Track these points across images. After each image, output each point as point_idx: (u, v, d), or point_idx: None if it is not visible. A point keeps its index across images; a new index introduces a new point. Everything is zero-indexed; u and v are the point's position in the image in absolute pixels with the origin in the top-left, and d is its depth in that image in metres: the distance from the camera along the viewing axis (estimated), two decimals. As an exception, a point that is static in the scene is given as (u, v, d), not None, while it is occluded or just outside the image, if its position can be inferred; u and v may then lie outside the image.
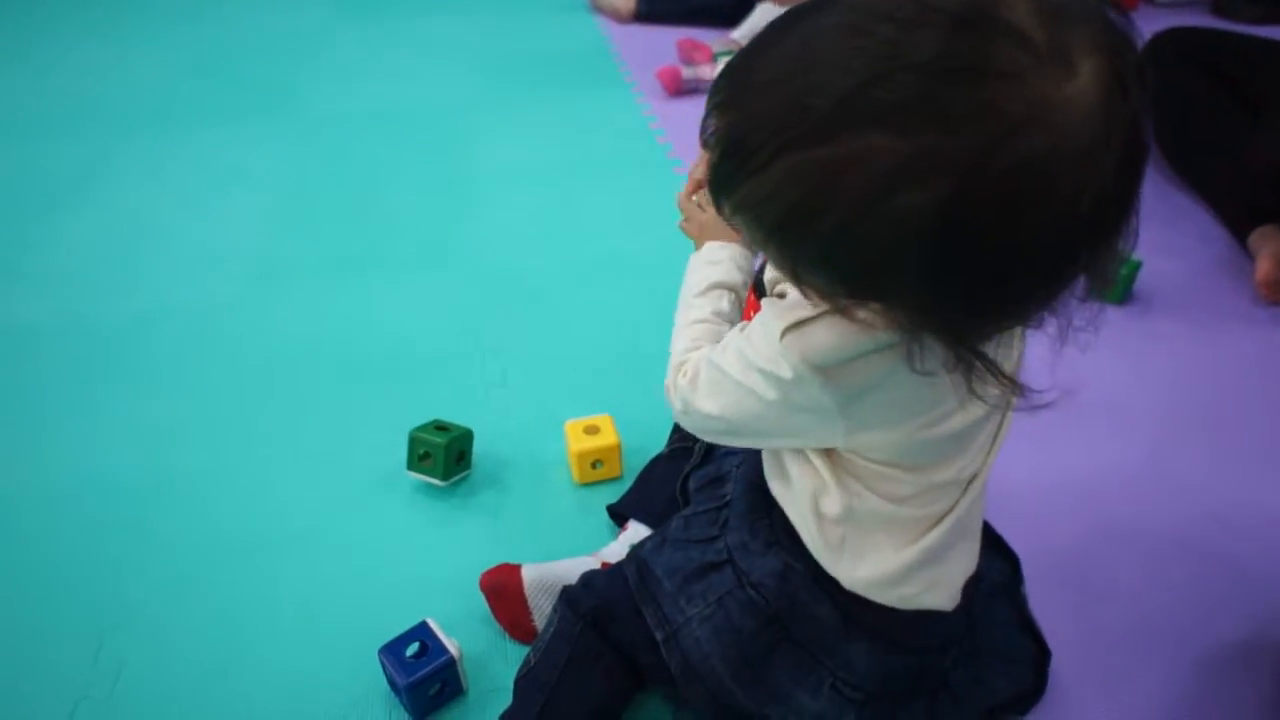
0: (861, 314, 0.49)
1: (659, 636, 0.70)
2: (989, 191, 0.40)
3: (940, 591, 0.66)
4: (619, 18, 2.46)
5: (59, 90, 2.09)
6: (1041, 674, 0.79)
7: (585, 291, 1.36)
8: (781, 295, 0.59)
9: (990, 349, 0.52)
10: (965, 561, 0.68)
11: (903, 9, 0.40)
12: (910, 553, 0.63)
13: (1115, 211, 0.43)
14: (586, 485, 1.02)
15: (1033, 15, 0.40)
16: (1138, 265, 1.29)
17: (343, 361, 1.23)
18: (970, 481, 0.65)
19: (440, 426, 1.00)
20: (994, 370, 0.49)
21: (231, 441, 1.10)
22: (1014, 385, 0.52)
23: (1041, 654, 0.81)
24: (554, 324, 1.29)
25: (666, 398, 0.68)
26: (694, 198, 0.84)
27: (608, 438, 1.00)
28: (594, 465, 1.01)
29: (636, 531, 0.90)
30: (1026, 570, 0.89)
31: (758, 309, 0.60)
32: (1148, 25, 1.60)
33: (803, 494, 0.65)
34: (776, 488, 0.68)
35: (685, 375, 0.65)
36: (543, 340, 1.25)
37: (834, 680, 0.66)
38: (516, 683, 0.75)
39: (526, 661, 0.76)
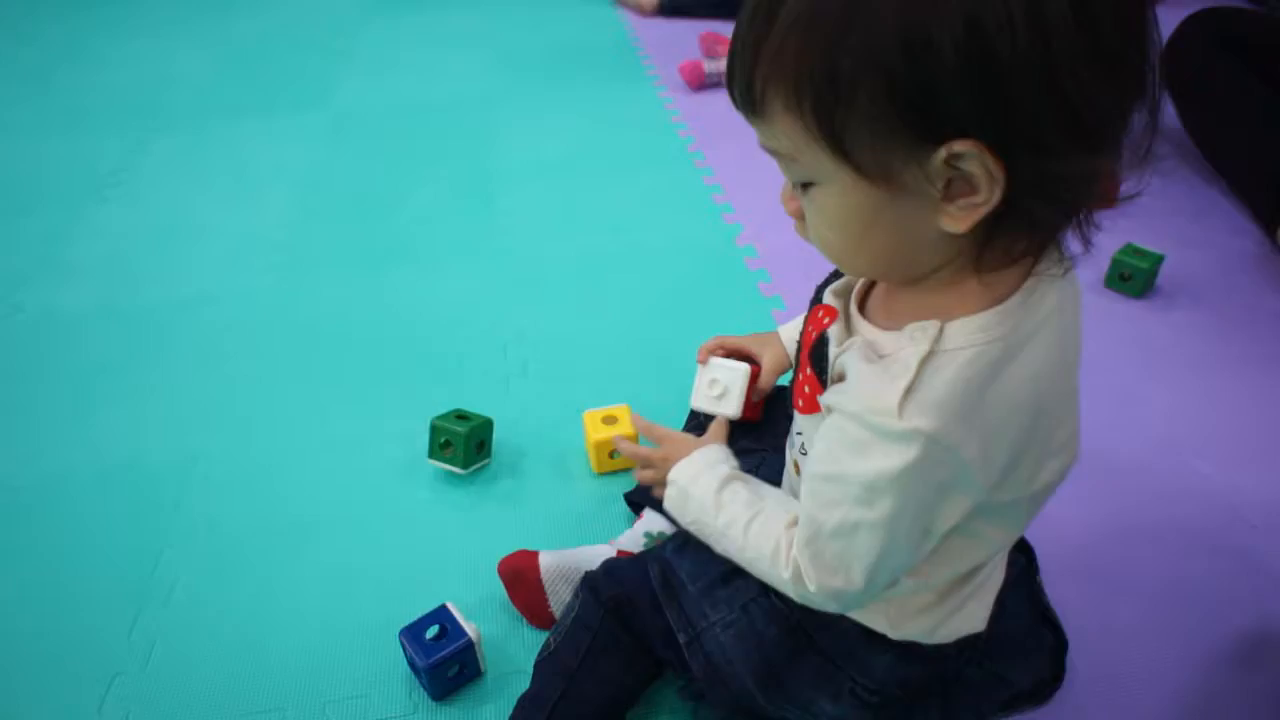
0: (954, 209, 0.43)
1: (682, 639, 0.70)
2: None
3: (975, 619, 0.65)
4: (642, 11, 2.46)
5: (102, 85, 2.14)
6: (1059, 663, 0.79)
7: (606, 283, 1.37)
8: (841, 377, 0.52)
9: None
10: (998, 581, 0.67)
11: None
12: (949, 604, 0.62)
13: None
14: (604, 474, 1.03)
15: None
16: (1160, 258, 1.28)
17: (368, 351, 1.26)
18: None
19: (461, 416, 1.02)
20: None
21: (261, 428, 1.13)
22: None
23: (1059, 643, 0.81)
24: (574, 315, 1.31)
25: (810, 600, 0.58)
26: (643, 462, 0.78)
27: (625, 428, 1.01)
28: (612, 455, 1.02)
29: (651, 520, 0.91)
30: (1040, 562, 0.89)
31: (815, 390, 0.55)
32: (1186, 6, 1.60)
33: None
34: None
35: (801, 578, 0.57)
36: (563, 331, 1.27)
37: (853, 685, 0.66)
38: (537, 665, 0.77)
39: (547, 645, 0.77)
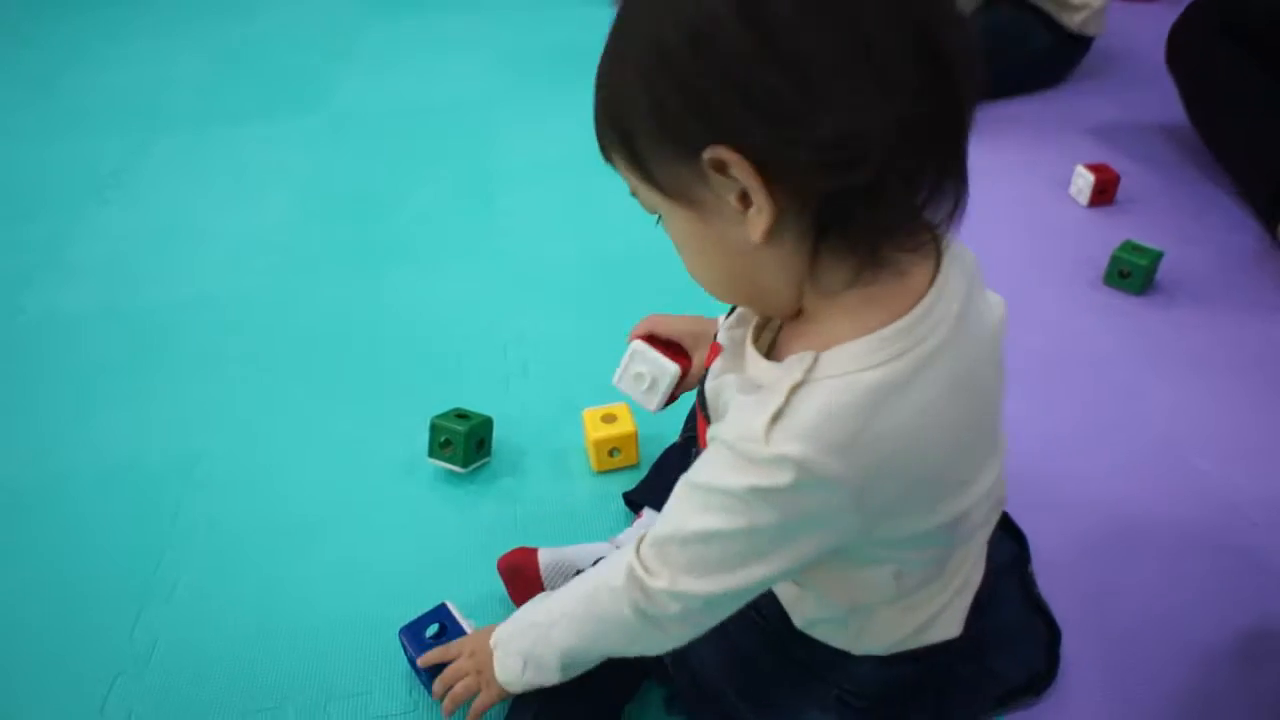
0: (756, 213, 0.44)
1: (666, 658, 0.69)
2: None
3: (948, 628, 0.64)
4: (643, 11, 2.46)
5: (103, 87, 2.14)
6: (1053, 654, 0.79)
7: (605, 283, 1.38)
8: (722, 411, 0.53)
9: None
10: (972, 588, 0.66)
11: None
12: (921, 616, 0.62)
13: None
14: (604, 473, 1.04)
15: None
16: (1160, 255, 1.28)
17: (369, 351, 1.26)
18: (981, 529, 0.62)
19: (461, 414, 1.02)
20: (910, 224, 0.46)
21: (262, 428, 1.14)
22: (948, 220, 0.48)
23: (1052, 634, 0.81)
24: (574, 315, 1.31)
25: (637, 634, 0.57)
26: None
27: (624, 426, 1.02)
28: (611, 453, 1.03)
29: (650, 519, 0.92)
30: (1036, 560, 0.89)
31: (703, 427, 0.56)
32: (1169, 20, 1.59)
33: (796, 611, 0.63)
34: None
35: (642, 577, 0.55)
36: (563, 331, 1.28)
37: (840, 692, 0.66)
38: None
39: None
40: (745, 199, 0.45)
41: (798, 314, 0.51)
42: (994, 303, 0.54)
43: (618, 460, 1.03)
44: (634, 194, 0.52)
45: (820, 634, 0.64)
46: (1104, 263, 1.31)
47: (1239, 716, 0.80)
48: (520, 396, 1.16)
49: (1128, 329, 1.24)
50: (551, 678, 0.66)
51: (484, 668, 0.70)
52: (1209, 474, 1.02)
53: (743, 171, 0.43)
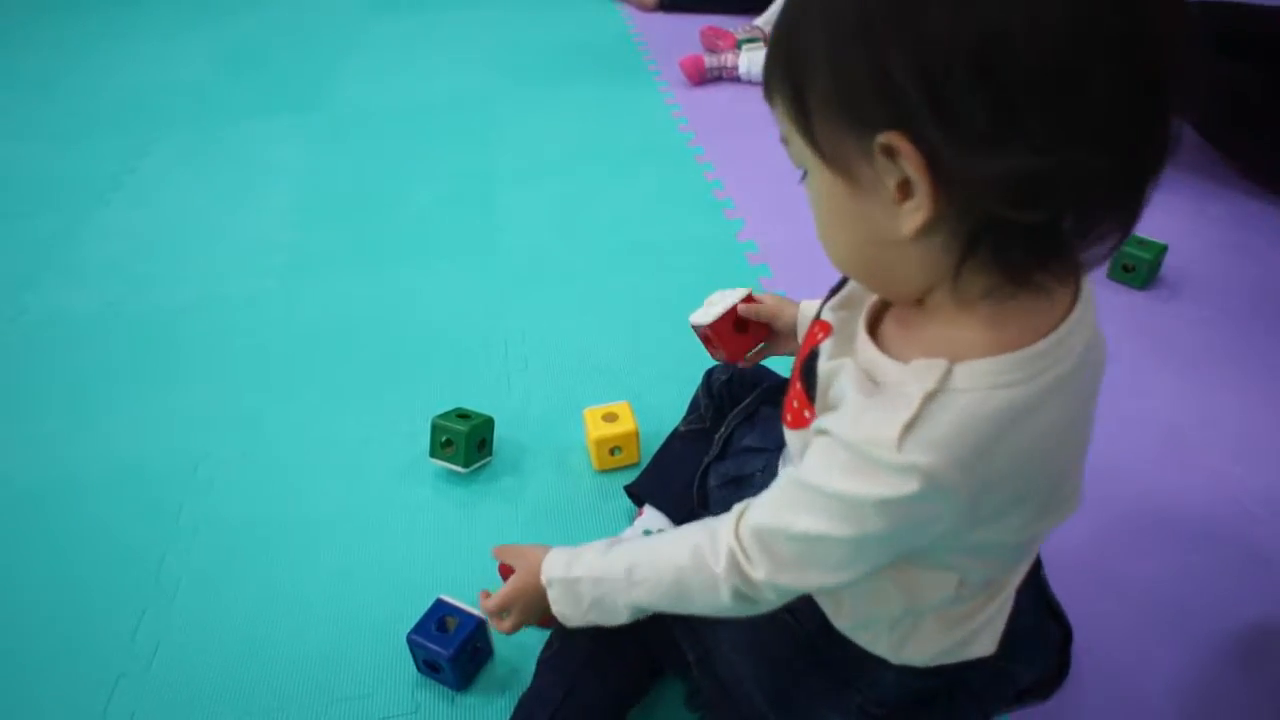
0: (914, 209, 0.42)
1: (691, 657, 0.69)
2: None
3: (985, 644, 0.63)
4: (643, 7, 2.46)
5: (106, 89, 2.15)
6: (1065, 655, 0.79)
7: (607, 280, 1.37)
8: (829, 394, 0.52)
9: None
10: (1010, 605, 0.65)
11: None
12: (965, 631, 0.61)
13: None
14: (605, 471, 1.03)
15: None
16: (1163, 249, 1.27)
17: (370, 351, 1.26)
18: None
19: (462, 414, 1.02)
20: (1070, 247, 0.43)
21: (264, 428, 1.14)
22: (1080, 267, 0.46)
23: (1064, 635, 0.80)
24: (576, 312, 1.31)
25: (732, 605, 0.56)
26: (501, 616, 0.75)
27: (625, 425, 1.01)
28: (612, 452, 1.02)
29: (651, 517, 0.91)
30: (1043, 556, 0.89)
31: (807, 410, 0.54)
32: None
33: (852, 602, 0.61)
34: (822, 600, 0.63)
35: (743, 565, 0.54)
36: (564, 328, 1.27)
37: (862, 700, 0.65)
38: (540, 663, 0.77)
39: (549, 644, 0.77)
40: (906, 188, 0.42)
41: (918, 303, 0.49)
42: (1101, 336, 0.52)
43: (619, 459, 1.03)
44: (784, 142, 0.48)
45: (864, 640, 0.62)
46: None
47: (1241, 712, 0.79)
48: (522, 394, 1.16)
49: (1131, 323, 1.23)
50: (617, 621, 0.66)
51: (525, 595, 0.70)
52: (1214, 469, 1.01)
53: (914, 165, 0.40)
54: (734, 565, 0.55)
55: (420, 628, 0.82)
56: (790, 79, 0.44)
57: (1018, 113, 0.38)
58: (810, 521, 0.50)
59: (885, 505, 0.46)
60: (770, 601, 0.55)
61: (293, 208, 1.63)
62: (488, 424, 1.03)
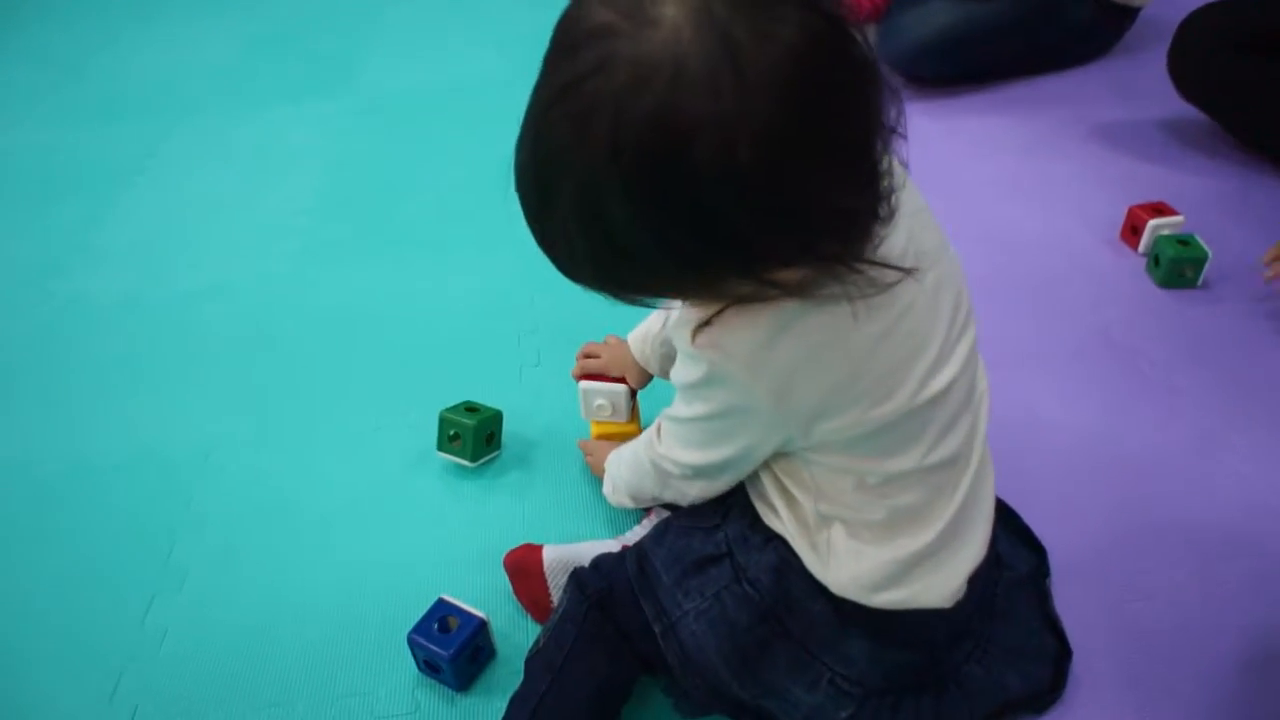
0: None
1: (656, 629, 0.70)
2: (645, 138, 0.44)
3: (936, 591, 0.65)
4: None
5: (133, 71, 2.16)
6: (1061, 673, 0.77)
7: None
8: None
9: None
10: (969, 555, 0.66)
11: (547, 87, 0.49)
12: (896, 553, 0.63)
13: (803, 132, 0.45)
14: (613, 468, 1.02)
15: (603, 7, 0.46)
16: (1207, 256, 1.21)
17: (383, 341, 1.25)
18: (960, 471, 0.64)
19: (470, 408, 1.02)
20: (855, 265, 0.52)
21: (274, 418, 1.14)
22: (901, 269, 0.54)
23: (1063, 652, 0.78)
24: (590, 305, 1.27)
25: (659, 483, 0.75)
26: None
27: (630, 425, 1.00)
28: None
29: (658, 518, 0.90)
30: (1060, 562, 0.87)
31: None
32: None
33: (778, 503, 0.66)
34: (755, 499, 0.69)
35: (654, 442, 0.73)
36: (578, 322, 1.25)
37: (832, 675, 0.66)
38: (526, 663, 0.77)
39: (536, 643, 0.77)
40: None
41: None
42: (937, 250, 0.61)
43: (628, 455, 1.02)
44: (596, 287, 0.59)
45: (796, 546, 0.67)
46: (1144, 256, 1.26)
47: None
48: (533, 387, 1.15)
49: (1170, 322, 1.18)
50: (626, 502, 0.85)
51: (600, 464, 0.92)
52: (1244, 472, 0.98)
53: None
54: (650, 441, 0.74)
55: (421, 627, 0.81)
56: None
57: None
58: (675, 408, 0.67)
59: (694, 389, 0.61)
60: (676, 475, 0.71)
61: (313, 193, 1.63)
62: (496, 418, 1.03)
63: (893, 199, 0.51)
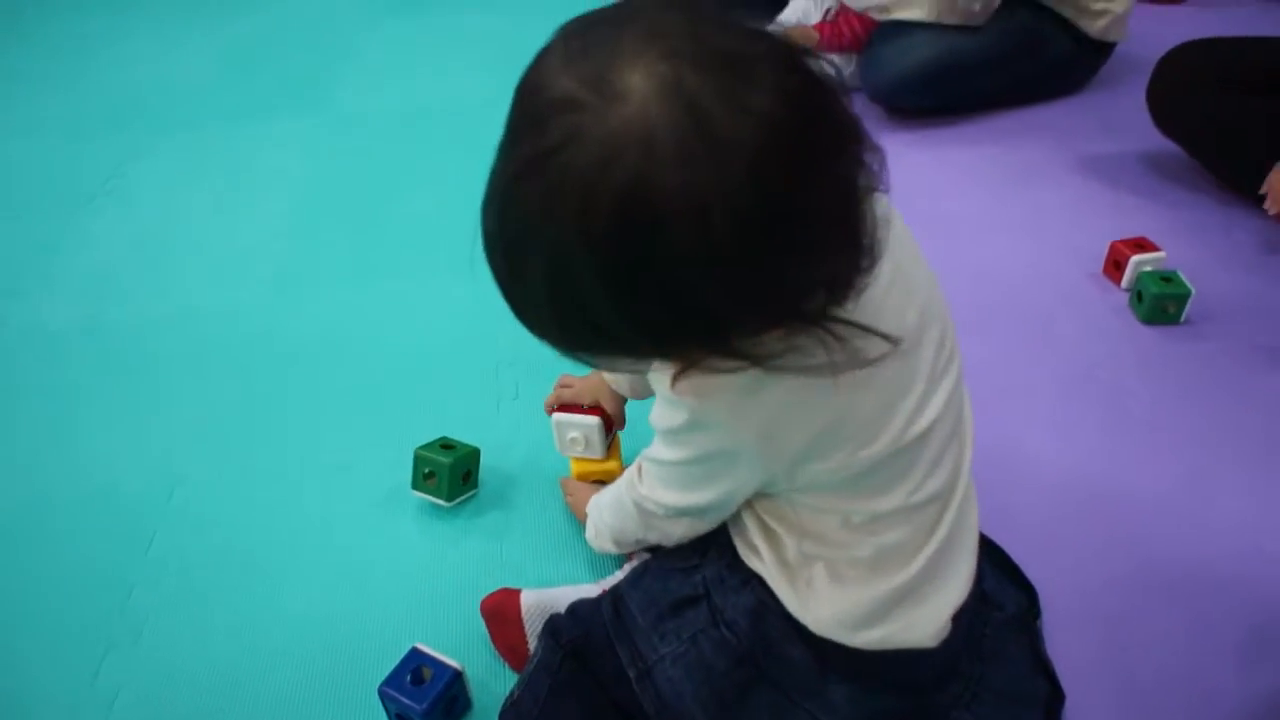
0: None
1: (631, 674, 0.69)
2: (615, 217, 0.43)
3: (920, 629, 0.63)
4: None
5: (100, 86, 2.11)
6: (1053, 718, 0.75)
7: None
8: None
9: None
10: (953, 592, 0.65)
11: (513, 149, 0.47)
12: (879, 590, 0.61)
13: (781, 203, 0.43)
14: (595, 507, 0.99)
15: (566, 76, 0.44)
16: (1189, 293, 1.20)
17: (356, 372, 1.22)
18: (943, 506, 0.62)
19: (446, 445, 0.98)
20: (837, 331, 0.50)
21: (242, 452, 1.10)
22: (885, 337, 0.52)
23: (1055, 696, 0.77)
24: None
25: (642, 524, 0.73)
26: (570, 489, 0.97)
27: (609, 462, 0.97)
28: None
29: (639, 561, 0.87)
30: (1049, 606, 0.85)
31: None
32: (1194, 26, 1.52)
33: (760, 542, 0.65)
34: (735, 538, 0.68)
35: (635, 482, 0.72)
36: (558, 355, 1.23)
37: None
38: (500, 716, 0.74)
39: (511, 694, 0.75)
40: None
41: None
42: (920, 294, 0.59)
43: (609, 494, 0.99)
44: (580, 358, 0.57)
45: (775, 585, 0.65)
46: (1126, 291, 1.26)
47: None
48: (511, 421, 1.12)
49: (1153, 358, 1.18)
50: (609, 547, 0.83)
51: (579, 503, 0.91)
52: (1237, 514, 0.97)
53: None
54: (631, 482, 0.72)
55: (393, 679, 0.78)
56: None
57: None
58: (657, 451, 0.66)
59: (677, 434, 0.60)
60: (659, 515, 0.69)
61: (286, 216, 1.59)
62: (473, 455, 0.99)
63: (875, 247, 0.49)
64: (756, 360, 0.50)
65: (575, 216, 0.43)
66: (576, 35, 0.46)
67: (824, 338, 0.50)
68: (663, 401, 0.60)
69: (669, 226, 0.42)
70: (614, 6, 0.46)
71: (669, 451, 0.63)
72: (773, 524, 0.64)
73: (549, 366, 1.19)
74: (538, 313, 0.50)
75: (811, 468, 0.57)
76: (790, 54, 0.45)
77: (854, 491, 0.59)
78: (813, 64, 0.46)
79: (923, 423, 0.58)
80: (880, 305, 0.54)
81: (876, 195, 0.49)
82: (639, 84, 0.42)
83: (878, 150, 0.48)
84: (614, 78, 0.42)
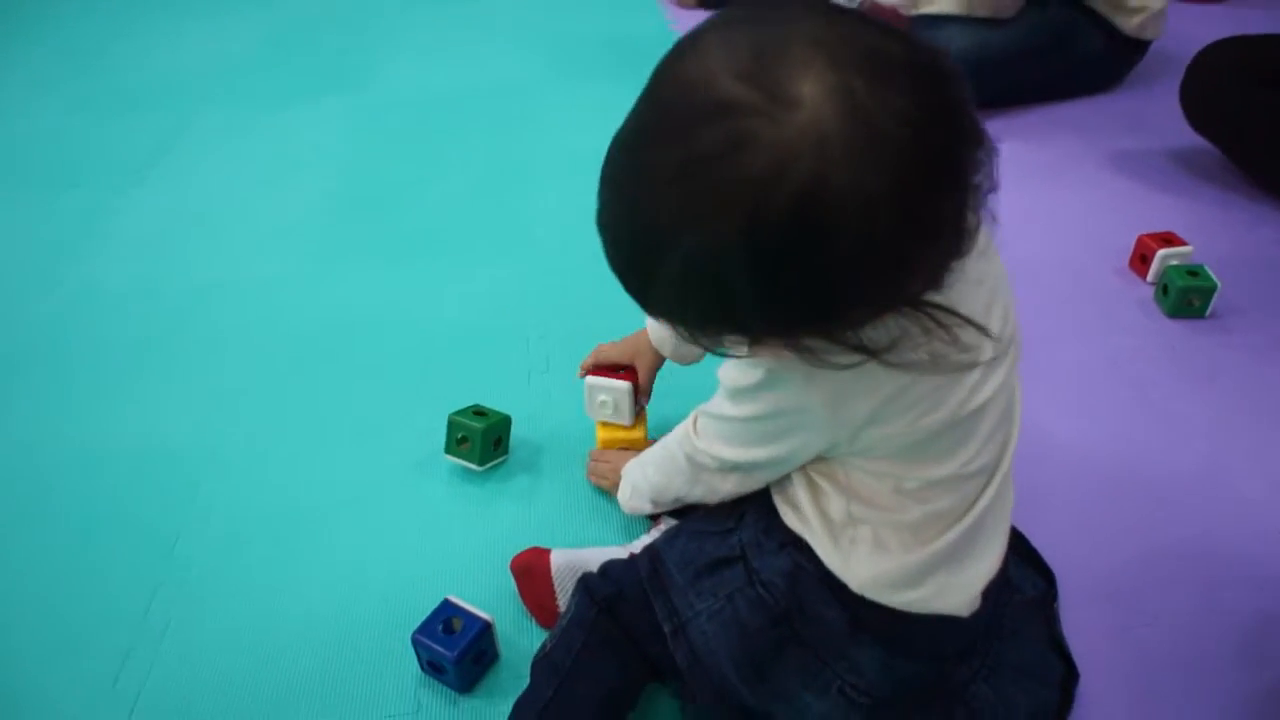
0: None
1: (666, 629, 0.70)
2: (787, 223, 0.44)
3: (954, 596, 0.65)
4: (684, 4, 2.43)
5: (151, 64, 2.18)
6: (1068, 696, 0.77)
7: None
8: None
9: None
10: (986, 564, 0.66)
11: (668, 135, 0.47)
12: (920, 554, 0.63)
13: (927, 198, 0.45)
14: (621, 475, 1.02)
15: (730, 78, 0.44)
16: (1215, 286, 1.21)
17: (393, 342, 1.26)
18: (988, 479, 0.64)
19: (479, 411, 1.01)
20: (943, 320, 0.51)
21: (281, 415, 1.14)
22: (979, 328, 0.54)
23: (1070, 676, 0.78)
24: (601, 310, 1.28)
25: (691, 479, 0.74)
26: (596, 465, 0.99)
27: (635, 431, 1.00)
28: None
29: (667, 525, 0.90)
30: (1067, 586, 0.86)
31: None
32: (1234, 25, 1.52)
33: (805, 500, 0.65)
34: (778, 496, 0.69)
35: (690, 435, 0.72)
36: (588, 326, 1.25)
37: (841, 684, 0.66)
38: (533, 666, 0.76)
39: (543, 646, 0.77)
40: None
41: None
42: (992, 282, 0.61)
43: (636, 463, 1.02)
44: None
45: (816, 543, 0.66)
46: (1152, 285, 1.27)
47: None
48: (542, 392, 1.15)
49: (1178, 351, 1.19)
50: (645, 506, 0.84)
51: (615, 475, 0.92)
52: (1253, 498, 0.98)
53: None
54: (686, 435, 0.73)
55: (425, 628, 0.81)
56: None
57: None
58: (719, 406, 0.67)
59: (746, 390, 0.61)
60: (712, 469, 0.71)
61: (326, 193, 1.63)
62: (504, 422, 1.03)
63: (974, 236, 0.50)
64: (873, 353, 0.51)
65: (745, 219, 0.44)
66: (738, 34, 0.46)
67: (926, 323, 0.51)
68: (735, 360, 0.60)
69: (839, 226, 0.43)
70: (760, 4, 0.47)
71: (735, 408, 0.64)
72: (822, 482, 0.65)
73: (579, 341, 1.23)
74: (665, 302, 0.52)
75: (874, 431, 0.58)
76: (930, 54, 0.46)
77: (911, 458, 0.60)
78: (944, 61, 0.46)
79: (982, 396, 0.59)
80: (961, 293, 0.54)
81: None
82: (811, 91, 0.43)
83: (995, 148, 0.49)
84: (788, 85, 0.43)
